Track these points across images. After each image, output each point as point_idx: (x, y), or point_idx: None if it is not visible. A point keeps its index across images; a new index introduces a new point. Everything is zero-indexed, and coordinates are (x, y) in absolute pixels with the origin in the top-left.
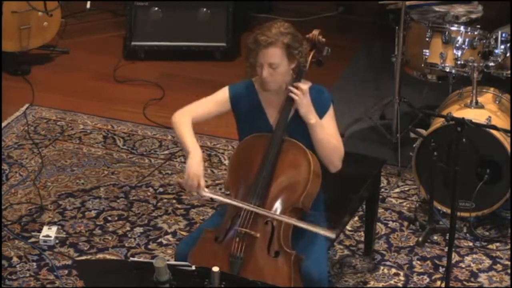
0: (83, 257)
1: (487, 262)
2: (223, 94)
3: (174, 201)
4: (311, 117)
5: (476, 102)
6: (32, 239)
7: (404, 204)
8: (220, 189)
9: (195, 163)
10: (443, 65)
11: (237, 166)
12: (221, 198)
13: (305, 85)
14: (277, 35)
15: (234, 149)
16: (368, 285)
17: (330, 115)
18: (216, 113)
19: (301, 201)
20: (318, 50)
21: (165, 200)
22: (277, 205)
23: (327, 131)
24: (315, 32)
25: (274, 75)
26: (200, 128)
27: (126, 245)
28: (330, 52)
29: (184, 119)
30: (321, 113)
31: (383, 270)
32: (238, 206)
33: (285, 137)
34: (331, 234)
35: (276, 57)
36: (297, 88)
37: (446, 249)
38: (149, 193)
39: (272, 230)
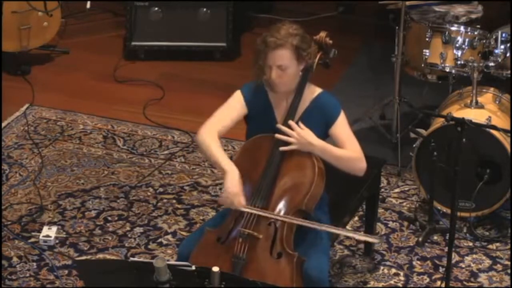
0: (83, 257)
1: (487, 262)
2: (238, 99)
3: (174, 201)
4: (316, 150)
5: (476, 102)
6: (32, 239)
7: (404, 204)
8: (220, 189)
9: (234, 182)
10: (443, 65)
11: (241, 166)
12: (261, 213)
13: (299, 129)
14: (286, 36)
15: (236, 149)
16: (368, 285)
17: (341, 122)
18: (237, 120)
19: (304, 203)
20: (325, 52)
21: (165, 200)
22: (281, 207)
23: (340, 137)
24: (322, 34)
25: (283, 77)
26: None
27: (126, 245)
28: (336, 54)
29: (210, 137)
30: (330, 123)
31: (383, 270)
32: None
33: None
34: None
35: (285, 59)
36: (291, 129)
37: (446, 249)
38: (149, 193)
39: (275, 232)
